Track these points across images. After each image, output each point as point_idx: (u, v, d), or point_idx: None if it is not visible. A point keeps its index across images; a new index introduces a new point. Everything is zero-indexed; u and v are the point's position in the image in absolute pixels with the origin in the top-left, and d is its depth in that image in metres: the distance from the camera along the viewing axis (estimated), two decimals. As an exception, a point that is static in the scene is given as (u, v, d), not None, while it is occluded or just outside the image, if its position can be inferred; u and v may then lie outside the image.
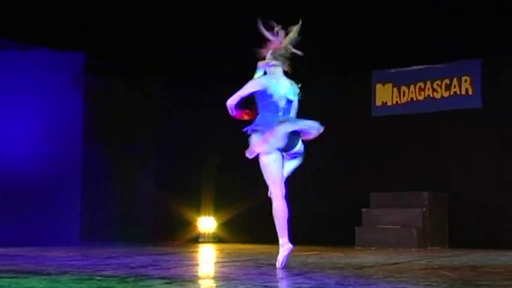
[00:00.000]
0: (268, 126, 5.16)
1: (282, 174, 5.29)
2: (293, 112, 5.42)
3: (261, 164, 5.21)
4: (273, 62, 5.34)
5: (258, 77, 5.35)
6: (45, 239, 8.38)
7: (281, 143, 5.17)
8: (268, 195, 5.29)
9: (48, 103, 8.91)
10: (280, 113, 5.29)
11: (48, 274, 4.44)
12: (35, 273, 4.52)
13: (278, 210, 5.21)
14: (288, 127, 5.18)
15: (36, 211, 8.67)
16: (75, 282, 3.97)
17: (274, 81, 5.30)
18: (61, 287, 3.75)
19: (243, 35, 9.69)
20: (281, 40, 5.35)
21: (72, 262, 5.63)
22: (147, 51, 10.20)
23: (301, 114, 5.49)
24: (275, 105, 5.28)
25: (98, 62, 9.77)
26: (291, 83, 5.40)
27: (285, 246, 5.16)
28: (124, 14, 9.43)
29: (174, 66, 10.74)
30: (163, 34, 10.03)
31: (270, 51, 5.36)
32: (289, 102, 5.36)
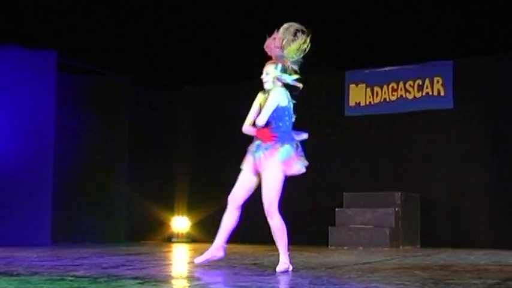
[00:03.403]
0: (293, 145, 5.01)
1: None
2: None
3: (277, 177, 4.94)
4: (283, 79, 5.09)
5: (280, 92, 5.06)
6: (16, 239, 8.27)
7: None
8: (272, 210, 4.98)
9: (20, 101, 8.80)
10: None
11: (18, 275, 4.38)
12: (5, 274, 4.46)
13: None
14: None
15: (6, 210, 8.56)
16: (46, 283, 3.93)
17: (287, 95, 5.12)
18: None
19: (211, 37, 9.75)
20: (279, 45, 5.07)
21: (43, 262, 5.56)
22: (117, 51, 10.13)
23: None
24: (290, 119, 5.12)
25: (68, 60, 9.69)
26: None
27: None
28: (96, 14, 9.38)
29: (143, 66, 10.69)
30: (134, 34, 10.00)
31: (278, 65, 5.09)
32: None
